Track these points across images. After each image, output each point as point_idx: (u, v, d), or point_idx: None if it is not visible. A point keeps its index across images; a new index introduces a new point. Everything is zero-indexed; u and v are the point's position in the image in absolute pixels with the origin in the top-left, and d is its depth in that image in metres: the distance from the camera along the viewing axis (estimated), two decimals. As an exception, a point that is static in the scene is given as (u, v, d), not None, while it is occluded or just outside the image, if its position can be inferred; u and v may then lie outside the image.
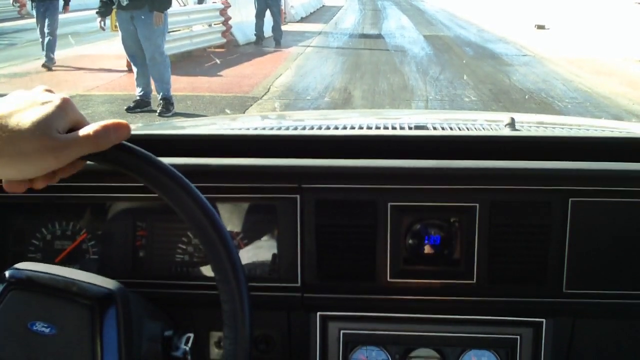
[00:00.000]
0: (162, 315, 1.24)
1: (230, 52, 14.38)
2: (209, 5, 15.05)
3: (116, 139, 0.82)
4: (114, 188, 1.30)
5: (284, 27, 19.94)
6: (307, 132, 1.73)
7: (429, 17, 26.07)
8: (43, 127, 0.78)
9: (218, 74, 11.54)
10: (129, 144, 0.85)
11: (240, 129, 2.00)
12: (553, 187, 1.26)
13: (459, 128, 1.80)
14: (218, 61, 12.44)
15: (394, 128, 1.80)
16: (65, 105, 0.81)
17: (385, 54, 14.64)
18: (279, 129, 1.98)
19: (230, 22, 15.07)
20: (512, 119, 1.65)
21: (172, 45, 12.50)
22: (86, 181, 1.27)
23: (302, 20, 23.07)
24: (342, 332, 1.32)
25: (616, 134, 1.86)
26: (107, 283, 1.06)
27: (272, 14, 15.63)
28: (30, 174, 0.80)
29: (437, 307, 1.31)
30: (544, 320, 1.30)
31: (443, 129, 1.78)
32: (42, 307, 1.00)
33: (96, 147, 0.81)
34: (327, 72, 12.10)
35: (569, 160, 1.30)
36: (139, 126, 2.50)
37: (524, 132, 1.70)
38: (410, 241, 1.29)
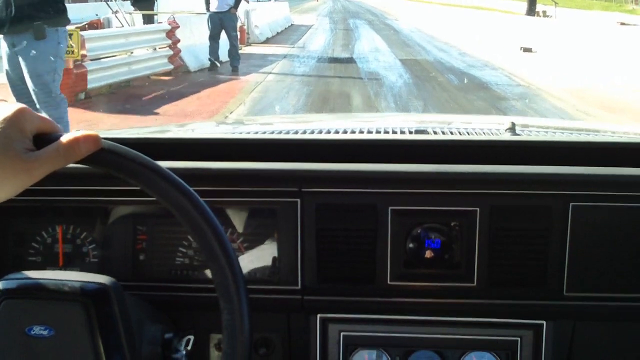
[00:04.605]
0: (162, 317, 1.24)
1: (178, 80, 12.33)
2: (152, 26, 12.99)
3: (86, 150, 0.81)
4: (113, 192, 1.29)
5: (246, 49, 18.11)
6: (307, 136, 1.72)
7: (404, 37, 24.27)
8: (11, 149, 0.77)
9: (154, 111, 9.45)
10: (123, 147, 0.83)
11: (241, 132, 2.01)
12: (554, 192, 1.26)
13: (460, 132, 1.76)
14: (156, 93, 10.33)
15: (394, 132, 1.77)
16: (23, 117, 0.80)
17: (358, 83, 12.68)
18: (279, 133, 1.88)
19: (179, 45, 13.04)
20: (513, 124, 1.64)
21: (106, 74, 10.54)
22: (86, 185, 1.29)
23: (268, 41, 21.10)
24: (342, 334, 1.32)
25: (616, 138, 1.83)
26: (98, 279, 1.05)
27: (228, 36, 13.62)
28: (5, 196, 0.79)
29: (437, 310, 1.30)
30: (544, 322, 1.30)
31: (444, 133, 1.75)
32: (37, 312, 1.00)
33: (67, 161, 0.80)
34: (289, 108, 10.10)
35: (570, 165, 1.30)
36: (139, 130, 2.39)
37: (524, 137, 1.68)
38: (411, 245, 1.28)
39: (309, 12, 40.92)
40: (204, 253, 0.84)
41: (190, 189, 0.83)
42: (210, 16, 13.49)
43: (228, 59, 13.84)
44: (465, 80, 13.21)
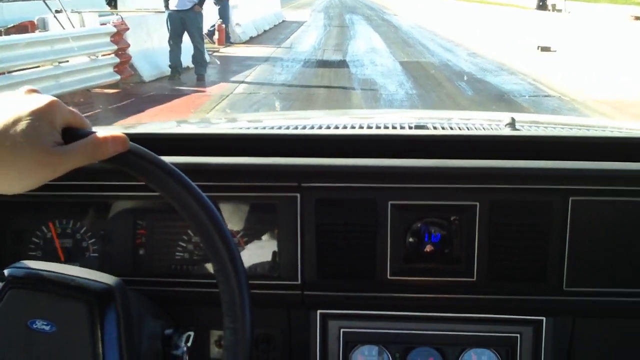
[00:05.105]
0: (163, 313, 1.25)
1: (124, 94, 9.98)
2: (89, 30, 10.55)
3: (114, 151, 0.81)
4: (114, 186, 1.29)
5: (224, 51, 15.80)
6: (307, 131, 1.69)
7: (404, 34, 21.87)
8: (39, 142, 0.76)
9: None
10: (149, 151, 0.84)
11: (240, 128, 2.00)
12: (553, 187, 1.26)
13: (459, 127, 1.75)
14: (89, 112, 7.91)
15: (394, 127, 1.75)
16: (54, 110, 0.79)
17: (349, 96, 10.28)
18: (279, 128, 1.86)
19: (130, 50, 10.65)
20: (513, 119, 1.63)
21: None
22: (86, 180, 1.28)
23: (251, 40, 18.70)
24: (342, 330, 1.31)
25: (616, 133, 1.80)
26: (105, 278, 1.05)
27: (191, 38, 11.23)
28: (28, 187, 0.79)
29: (437, 305, 1.30)
30: (544, 318, 1.29)
31: (443, 128, 1.74)
32: (41, 305, 1.00)
33: (93, 159, 0.81)
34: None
35: (570, 160, 1.29)
36: (139, 125, 2.37)
37: (524, 132, 1.68)
38: (411, 239, 1.28)
39: (304, 7, 38.48)
40: (211, 260, 0.83)
41: (209, 201, 0.83)
42: (169, 15, 11.10)
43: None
44: (481, 89, 10.82)
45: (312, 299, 1.29)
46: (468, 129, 1.72)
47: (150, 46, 11.60)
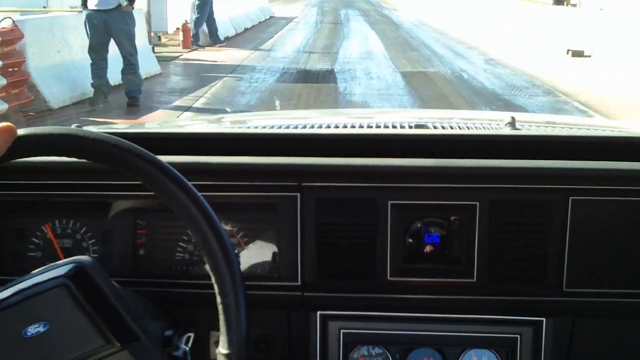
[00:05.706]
0: (163, 314, 1.24)
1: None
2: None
3: (4, 142, 0.80)
4: (114, 186, 1.30)
5: (187, 57, 13.04)
6: (307, 130, 1.69)
7: (406, 34, 18.89)
8: None
9: None
10: (40, 127, 0.84)
11: (240, 127, 2.01)
12: (553, 186, 1.26)
13: (460, 127, 1.74)
14: None
15: (394, 127, 1.74)
16: None
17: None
18: (279, 127, 1.85)
19: (29, 66, 7.69)
20: (513, 118, 1.59)
21: None
22: (86, 179, 1.29)
23: (226, 41, 15.72)
24: (342, 331, 1.31)
25: (616, 133, 1.79)
26: (69, 260, 1.05)
27: (120, 47, 8.26)
28: None
29: (437, 306, 1.30)
30: (544, 319, 1.29)
31: (443, 127, 1.72)
32: (25, 313, 0.99)
33: None
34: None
35: (569, 160, 1.29)
36: (138, 125, 2.17)
37: (524, 131, 1.66)
38: (411, 240, 1.28)
39: (298, 0, 35.52)
40: (203, 254, 0.85)
41: (138, 147, 0.82)
42: (87, 17, 8.11)
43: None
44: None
45: (312, 300, 1.29)
46: (468, 129, 1.69)
47: (68, 58, 8.64)
